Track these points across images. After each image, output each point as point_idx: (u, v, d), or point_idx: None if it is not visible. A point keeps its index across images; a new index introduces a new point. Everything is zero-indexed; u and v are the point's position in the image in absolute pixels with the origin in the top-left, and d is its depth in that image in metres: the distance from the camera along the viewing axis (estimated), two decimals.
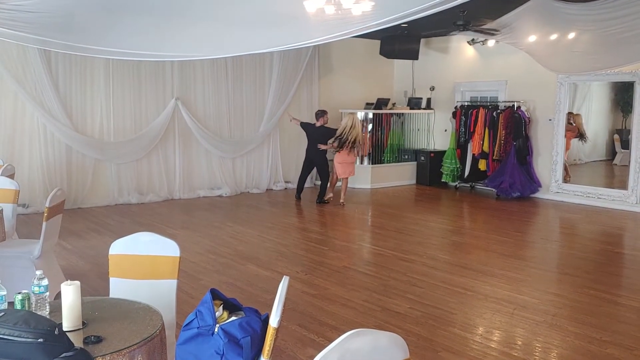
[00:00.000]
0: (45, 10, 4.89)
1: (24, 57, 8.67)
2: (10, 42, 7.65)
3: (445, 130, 12.39)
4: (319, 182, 10.58)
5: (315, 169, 10.54)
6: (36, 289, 2.45)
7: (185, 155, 10.53)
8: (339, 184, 10.26)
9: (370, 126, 12.02)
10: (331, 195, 10.17)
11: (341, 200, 9.93)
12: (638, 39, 7.17)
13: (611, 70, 9.48)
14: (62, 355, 1.99)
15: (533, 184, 10.69)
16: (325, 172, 10.12)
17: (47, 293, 2.50)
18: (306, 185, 10.97)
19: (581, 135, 11.30)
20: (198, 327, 2.53)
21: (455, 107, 11.82)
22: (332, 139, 9.78)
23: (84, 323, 2.44)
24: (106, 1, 5.13)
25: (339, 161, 9.87)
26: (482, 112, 11.17)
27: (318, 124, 10.02)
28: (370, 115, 12.10)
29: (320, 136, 9.96)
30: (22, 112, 8.83)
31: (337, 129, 9.86)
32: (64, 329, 2.33)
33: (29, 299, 2.46)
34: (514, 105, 10.79)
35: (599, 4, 7.03)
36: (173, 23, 5.54)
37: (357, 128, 9.63)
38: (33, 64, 8.73)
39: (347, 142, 9.56)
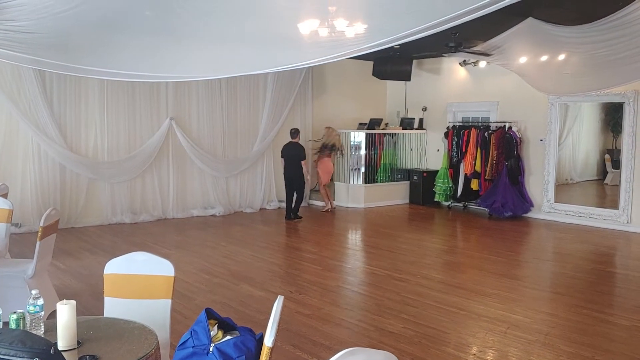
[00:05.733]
0: (40, 31, 4.92)
1: (19, 77, 8.70)
2: (4, 62, 7.68)
3: (438, 150, 12.48)
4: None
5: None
6: (31, 308, 2.46)
7: (179, 174, 10.55)
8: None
9: (362, 143, 12.29)
10: (329, 207, 11.20)
11: (332, 207, 10.84)
12: (626, 61, 7.28)
13: (601, 92, 9.61)
14: None
15: (525, 203, 10.76)
16: (301, 189, 10.47)
17: (42, 312, 2.50)
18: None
19: None
20: (193, 347, 2.54)
21: (448, 128, 11.93)
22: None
23: (79, 342, 2.44)
24: (101, 22, 5.17)
25: (321, 169, 11.02)
26: (474, 132, 11.27)
27: (295, 140, 10.38)
28: (363, 138, 12.21)
29: (296, 152, 10.31)
30: (16, 131, 8.84)
31: (303, 147, 10.59)
32: (59, 348, 2.34)
33: (24, 318, 2.46)
34: (505, 126, 10.91)
35: (588, 27, 7.15)
36: (168, 45, 5.59)
37: (332, 137, 11.13)
38: (27, 83, 8.76)
39: (331, 146, 11.02)
